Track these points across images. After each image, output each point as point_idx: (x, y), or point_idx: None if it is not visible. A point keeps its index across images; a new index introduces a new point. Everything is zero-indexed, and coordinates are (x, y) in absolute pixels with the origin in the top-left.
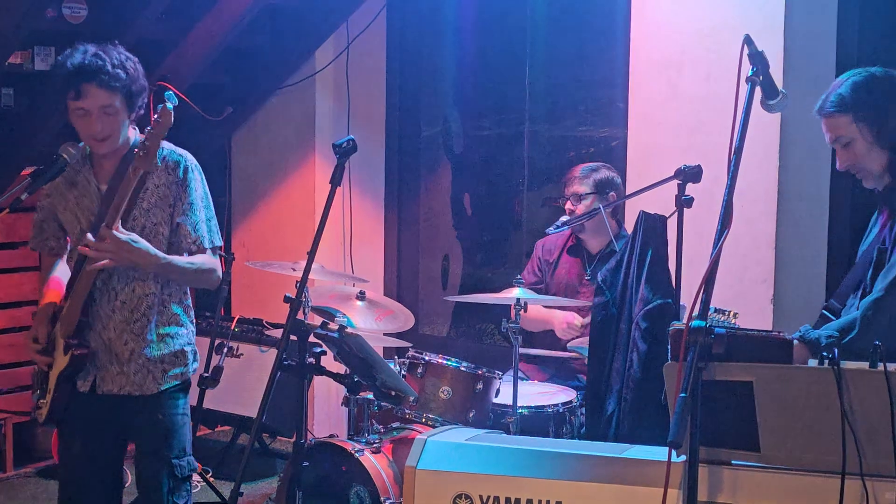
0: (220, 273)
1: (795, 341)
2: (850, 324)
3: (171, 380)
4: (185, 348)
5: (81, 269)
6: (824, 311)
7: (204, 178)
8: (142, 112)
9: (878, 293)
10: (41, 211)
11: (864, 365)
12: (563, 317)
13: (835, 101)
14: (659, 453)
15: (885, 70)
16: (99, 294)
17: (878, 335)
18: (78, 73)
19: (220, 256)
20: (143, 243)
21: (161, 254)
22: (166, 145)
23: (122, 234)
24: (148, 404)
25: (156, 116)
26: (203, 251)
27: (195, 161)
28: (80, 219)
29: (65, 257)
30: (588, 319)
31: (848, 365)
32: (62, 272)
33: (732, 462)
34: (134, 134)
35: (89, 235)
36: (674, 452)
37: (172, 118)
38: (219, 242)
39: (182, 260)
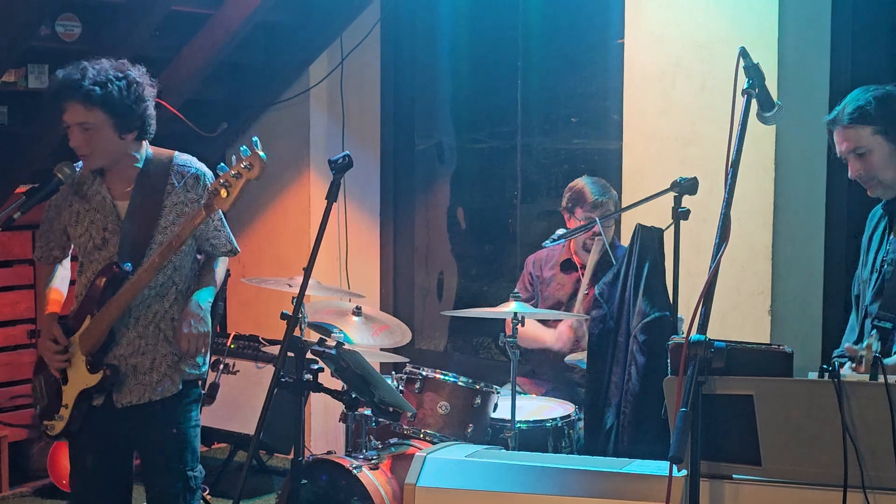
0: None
1: None
2: None
3: (187, 377)
4: None
5: (110, 291)
6: (880, 324)
7: None
8: (151, 132)
9: None
10: (48, 222)
11: (865, 377)
12: (556, 330)
13: (854, 113)
14: (660, 468)
15: None
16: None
17: None
18: (58, 88)
19: None
20: (207, 310)
21: (205, 306)
22: (182, 157)
23: (201, 325)
24: (163, 416)
25: (245, 163)
26: (222, 255)
27: (210, 172)
28: (92, 234)
29: (65, 263)
30: (581, 331)
31: (848, 377)
32: (61, 280)
33: (734, 476)
34: (143, 147)
35: (184, 346)
36: (675, 467)
37: (264, 170)
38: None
39: (215, 286)
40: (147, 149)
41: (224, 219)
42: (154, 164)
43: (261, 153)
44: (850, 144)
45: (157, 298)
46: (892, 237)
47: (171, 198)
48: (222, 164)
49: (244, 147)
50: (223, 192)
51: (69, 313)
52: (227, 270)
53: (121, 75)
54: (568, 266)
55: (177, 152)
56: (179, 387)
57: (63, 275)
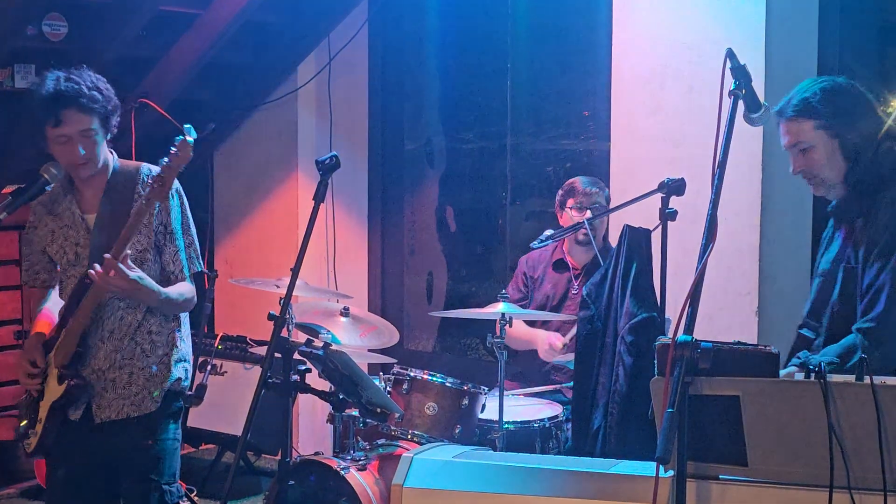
0: (195, 298)
1: (794, 368)
2: (848, 350)
3: (170, 387)
4: (175, 366)
5: (78, 300)
6: (802, 331)
7: (185, 200)
8: (115, 132)
9: (870, 323)
10: (28, 244)
11: (851, 378)
12: (546, 337)
13: (798, 105)
14: (647, 469)
15: (848, 80)
16: (90, 325)
17: (879, 361)
18: (56, 99)
19: (205, 274)
20: (149, 281)
21: (161, 290)
22: (149, 167)
23: (132, 272)
24: (141, 429)
25: (174, 150)
26: (184, 279)
27: (178, 184)
28: (66, 250)
29: (58, 288)
30: (571, 335)
31: (834, 378)
32: (53, 303)
33: (720, 477)
34: (112, 158)
35: (97, 266)
36: (661, 467)
37: (192, 153)
38: (198, 268)
39: (174, 292)
40: (115, 159)
41: (180, 235)
42: (122, 175)
43: (188, 138)
44: (792, 138)
45: (128, 310)
46: (836, 243)
47: (137, 206)
48: (163, 157)
49: (179, 136)
50: (157, 184)
51: (49, 334)
52: (207, 274)
53: (103, 79)
54: (560, 266)
55: (143, 163)
56: (158, 403)
57: (55, 298)
